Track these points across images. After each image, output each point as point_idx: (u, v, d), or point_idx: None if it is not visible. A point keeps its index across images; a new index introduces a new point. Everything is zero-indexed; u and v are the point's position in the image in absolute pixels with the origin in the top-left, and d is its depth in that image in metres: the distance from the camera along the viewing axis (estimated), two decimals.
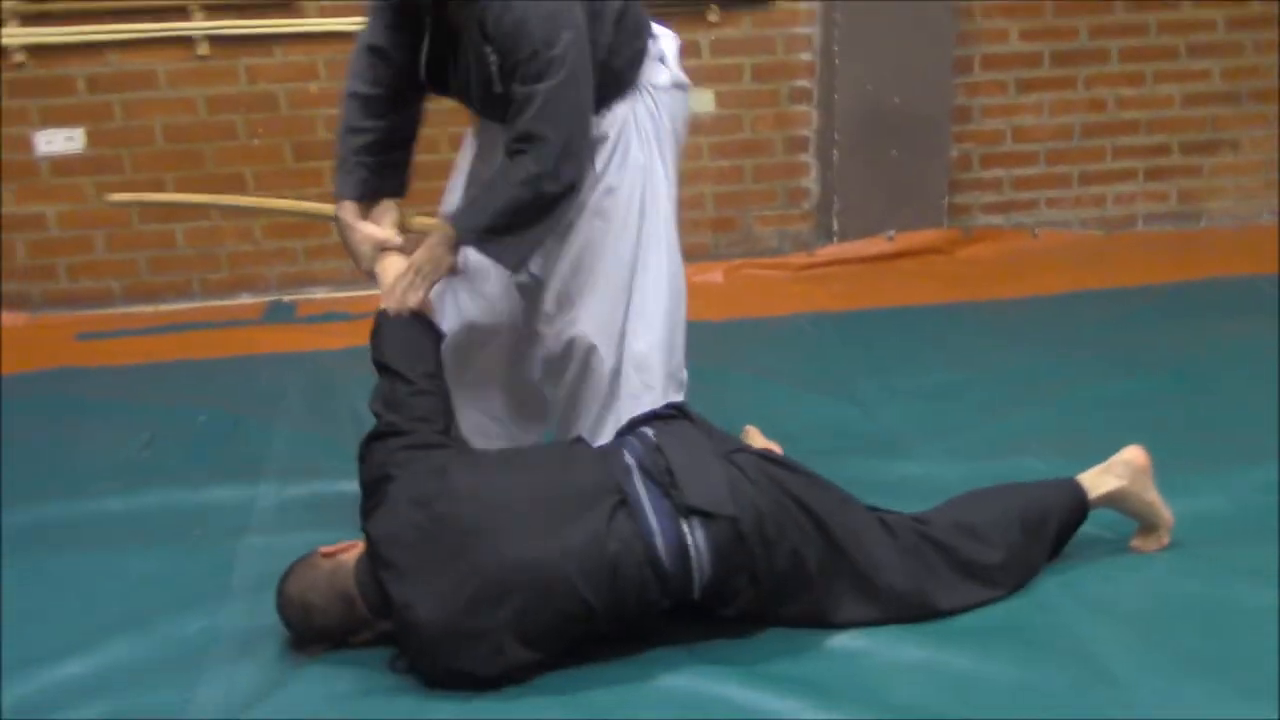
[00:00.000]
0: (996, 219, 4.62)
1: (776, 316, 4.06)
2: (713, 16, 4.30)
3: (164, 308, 4.33)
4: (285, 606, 2.19)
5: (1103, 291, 4.11)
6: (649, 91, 2.53)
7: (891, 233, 4.43)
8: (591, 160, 2.45)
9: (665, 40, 2.61)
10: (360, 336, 2.65)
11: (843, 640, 2.20)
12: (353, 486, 2.34)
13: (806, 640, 2.20)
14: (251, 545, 2.63)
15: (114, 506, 2.84)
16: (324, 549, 2.22)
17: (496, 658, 2.07)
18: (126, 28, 4.08)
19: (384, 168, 2.55)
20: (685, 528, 2.14)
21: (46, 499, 2.87)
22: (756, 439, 2.76)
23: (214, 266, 4.39)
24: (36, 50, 4.08)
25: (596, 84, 2.40)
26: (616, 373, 2.55)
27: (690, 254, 4.33)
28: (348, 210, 2.56)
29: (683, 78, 2.62)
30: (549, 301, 2.56)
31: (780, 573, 2.18)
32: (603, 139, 2.48)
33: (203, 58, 4.15)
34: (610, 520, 2.13)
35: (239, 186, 4.30)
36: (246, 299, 4.38)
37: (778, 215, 4.55)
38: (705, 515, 2.14)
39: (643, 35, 2.53)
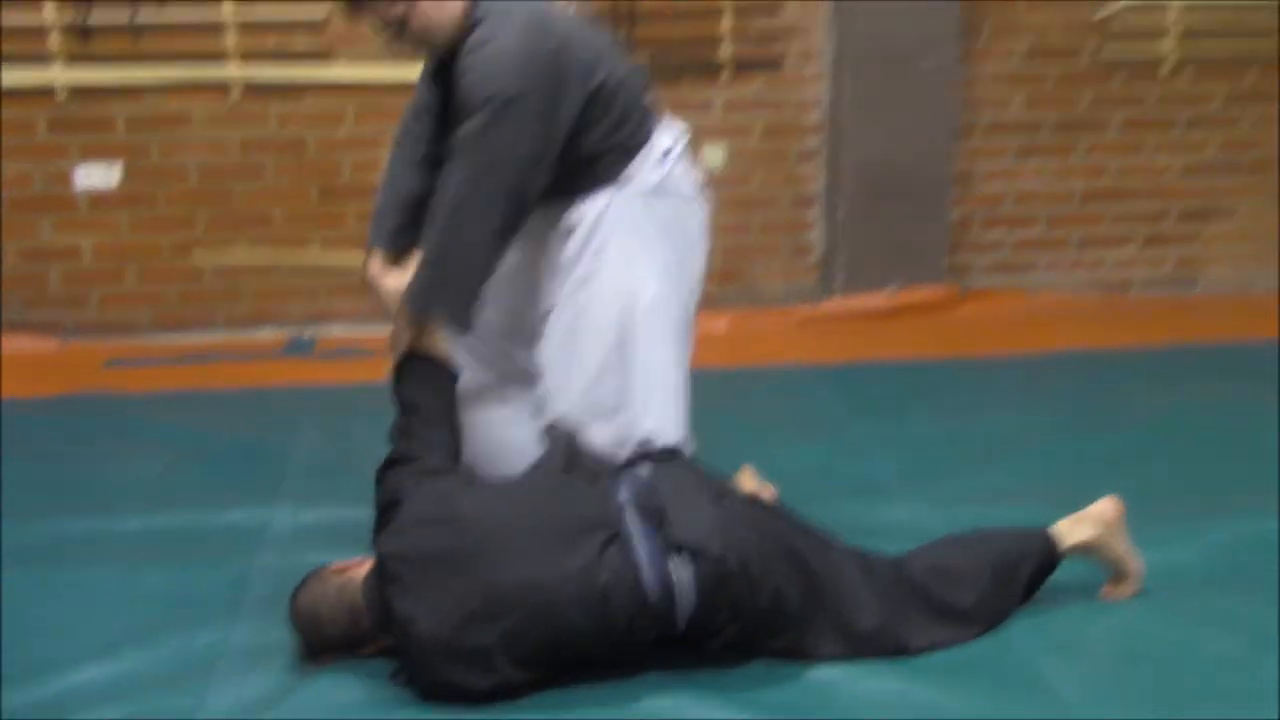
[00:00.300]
0: (996, 279, 4.75)
1: (778, 366, 4.20)
2: (726, 76, 4.47)
3: (189, 338, 4.50)
4: (296, 616, 2.33)
5: (1096, 352, 4.23)
6: (636, 188, 2.59)
7: (893, 288, 4.57)
8: (520, 211, 2.49)
9: (667, 139, 2.65)
10: (376, 372, 2.80)
11: (819, 672, 2.32)
12: (365, 513, 2.49)
13: (786, 671, 2.33)
14: (265, 565, 2.77)
15: (133, 525, 2.98)
16: (336, 564, 2.37)
17: (489, 674, 2.20)
18: (166, 72, 4.27)
19: (418, 221, 2.64)
20: (672, 564, 2.27)
21: (69, 515, 3.02)
22: (750, 480, 2.90)
23: (238, 299, 4.55)
24: (79, 90, 4.27)
25: (572, 169, 2.52)
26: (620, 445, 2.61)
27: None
28: (376, 261, 2.72)
29: (684, 184, 2.68)
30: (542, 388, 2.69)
31: (762, 610, 2.31)
32: (573, 227, 2.59)
33: (236, 103, 4.34)
34: (602, 552, 2.27)
35: (266, 225, 4.48)
36: (269, 332, 4.54)
37: (783, 268, 4.70)
38: (692, 553, 2.28)
39: (633, 129, 2.57)
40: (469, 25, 2.45)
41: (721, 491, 2.45)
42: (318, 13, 4.28)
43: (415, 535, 2.33)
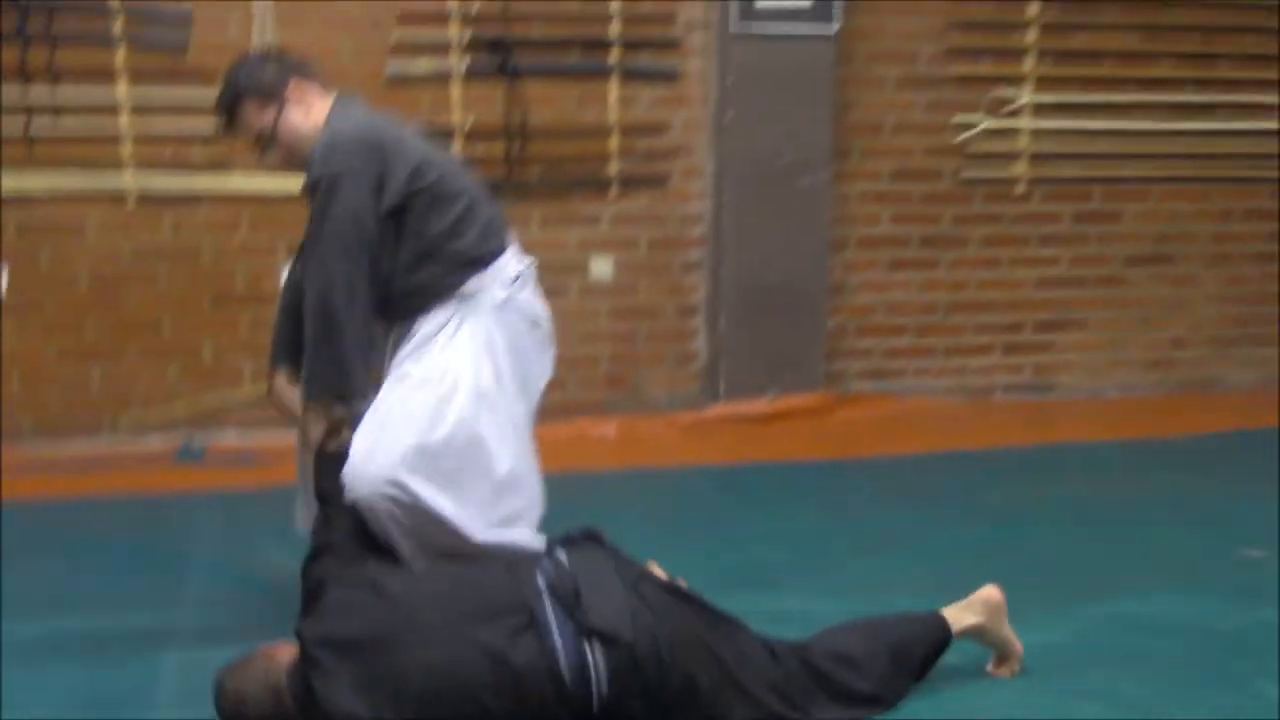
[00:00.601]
0: (869, 385, 5.00)
1: (666, 468, 4.35)
2: (614, 192, 4.68)
3: (76, 445, 4.45)
4: (221, 697, 2.37)
5: (962, 452, 4.49)
6: (480, 303, 2.73)
7: (772, 394, 4.78)
8: (372, 269, 2.65)
9: (516, 265, 2.81)
10: (267, 478, 2.88)
11: None
12: (269, 615, 2.58)
13: None
14: (173, 663, 2.78)
15: (35, 629, 2.96)
16: (263, 648, 2.40)
17: None
18: (61, 180, 4.30)
19: None
20: (586, 648, 2.37)
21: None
22: (658, 572, 3.02)
23: (125, 405, 4.54)
24: None
25: (415, 275, 2.69)
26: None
27: (585, 409, 4.70)
28: (280, 378, 2.92)
29: (529, 309, 2.81)
30: None
31: (673, 693, 2.41)
32: (413, 335, 2.72)
33: (131, 212, 4.38)
34: (517, 635, 2.37)
35: (155, 332, 4.50)
36: (157, 439, 4.52)
37: (668, 375, 4.88)
38: (605, 638, 2.38)
39: (476, 240, 2.72)
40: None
41: (638, 577, 2.57)
42: (214, 125, 4.35)
43: (336, 621, 2.39)
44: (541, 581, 2.49)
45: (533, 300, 2.83)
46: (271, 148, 2.76)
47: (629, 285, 4.78)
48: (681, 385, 4.89)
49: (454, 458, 2.64)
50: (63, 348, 4.46)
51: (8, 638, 2.90)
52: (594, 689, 2.36)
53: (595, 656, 2.36)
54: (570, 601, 2.44)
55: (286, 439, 4.47)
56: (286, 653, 2.38)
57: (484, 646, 2.35)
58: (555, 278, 4.66)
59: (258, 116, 2.73)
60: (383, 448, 2.58)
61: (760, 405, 4.77)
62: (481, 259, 2.73)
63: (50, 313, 4.42)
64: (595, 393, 4.77)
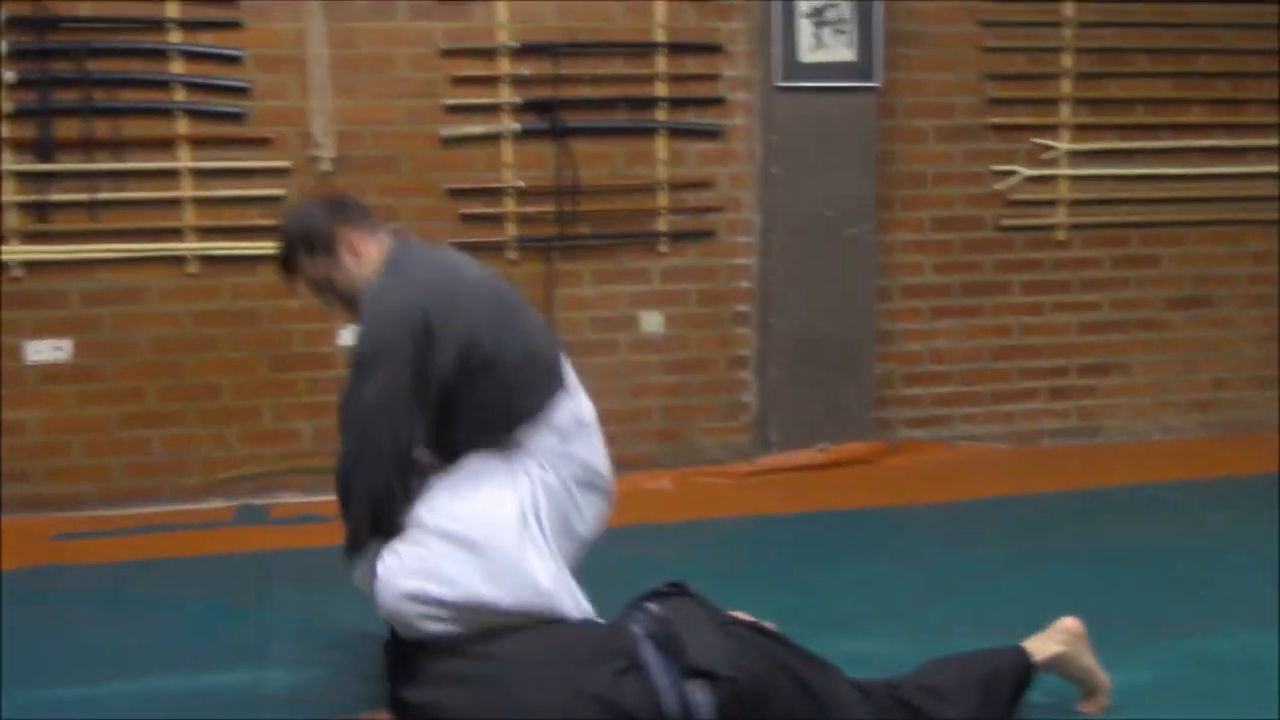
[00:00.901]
0: (918, 433, 5.05)
1: (724, 518, 4.39)
2: (663, 247, 4.75)
3: (137, 510, 4.49)
4: None
5: (1016, 498, 4.52)
6: (528, 453, 2.72)
7: (824, 444, 4.82)
8: (403, 449, 2.64)
9: (567, 414, 2.77)
10: (333, 538, 2.94)
11: None
12: (358, 675, 2.67)
13: None
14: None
15: (128, 690, 2.99)
16: (363, 716, 2.44)
17: None
18: (123, 246, 4.38)
19: None
20: (689, 688, 2.42)
21: (62, 684, 3.02)
22: (744, 619, 3.06)
23: (185, 471, 4.59)
24: (34, 265, 4.35)
25: (459, 429, 2.69)
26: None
27: (638, 463, 4.74)
28: None
29: (583, 454, 2.77)
30: None
31: None
32: (457, 469, 2.72)
33: (192, 275, 4.46)
34: (622, 679, 2.42)
35: (215, 396, 4.55)
36: (217, 503, 4.57)
37: (720, 427, 4.93)
38: (707, 676, 2.43)
39: (528, 402, 2.72)
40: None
41: (727, 621, 2.63)
42: (275, 190, 4.46)
43: (440, 682, 2.45)
44: (638, 628, 2.55)
45: (589, 451, 2.81)
46: (328, 295, 2.82)
47: (679, 339, 4.85)
48: (733, 436, 4.94)
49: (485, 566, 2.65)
50: (125, 414, 4.52)
51: (104, 699, 2.93)
52: None
53: (697, 696, 2.41)
54: (669, 645, 2.50)
55: None
56: None
57: (591, 692, 2.40)
58: (606, 333, 4.77)
59: (311, 267, 2.78)
60: (404, 565, 2.61)
61: (812, 455, 4.81)
62: (532, 415, 2.73)
63: (112, 379, 4.49)
64: (648, 446, 4.82)
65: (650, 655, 2.49)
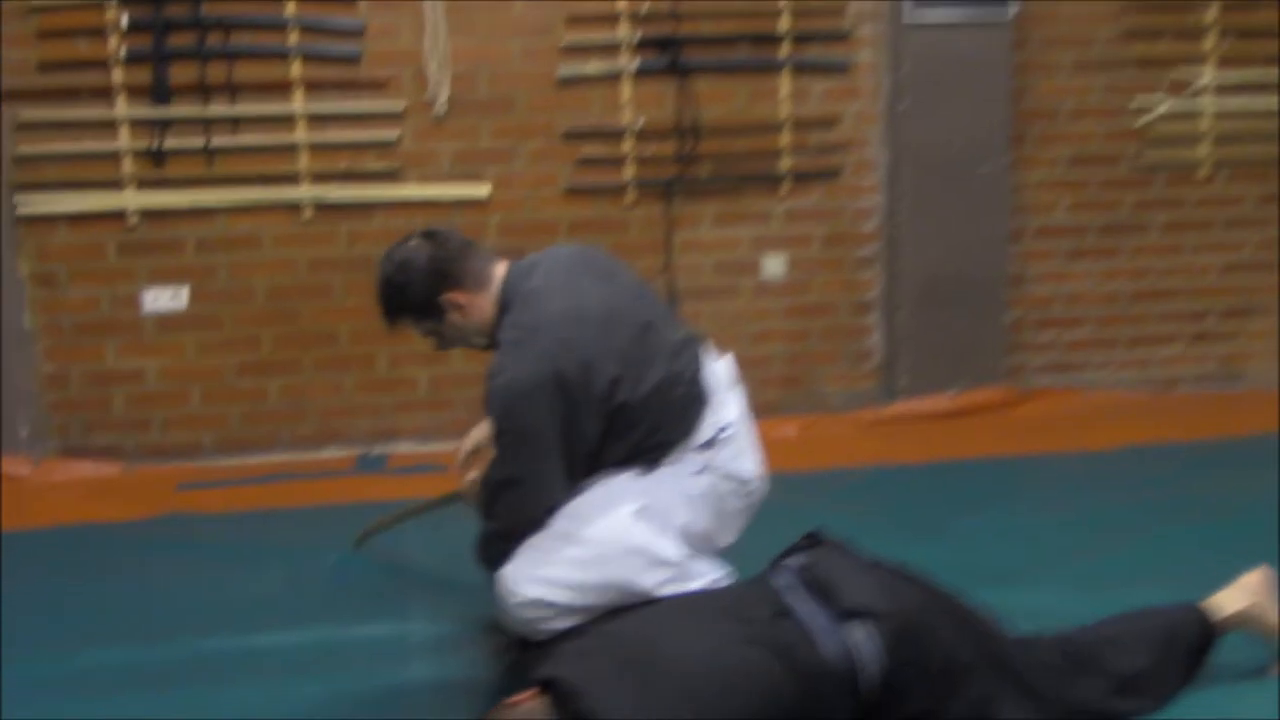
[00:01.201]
0: (1050, 378, 4.86)
1: (853, 468, 4.24)
2: (786, 188, 4.59)
3: (255, 459, 4.46)
4: None
5: (1156, 446, 4.31)
6: (668, 472, 2.57)
7: (954, 391, 4.65)
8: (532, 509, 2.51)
9: (711, 428, 2.59)
10: (451, 484, 2.90)
11: None
12: (494, 624, 2.60)
13: None
14: (416, 678, 2.73)
15: (270, 642, 2.93)
16: (508, 700, 2.33)
17: None
18: (238, 194, 4.31)
19: None
20: (846, 631, 2.29)
21: (204, 635, 2.96)
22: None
23: (302, 420, 4.54)
24: (150, 213, 4.30)
25: (606, 460, 2.53)
26: None
27: (761, 410, 4.58)
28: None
29: (728, 464, 2.60)
30: None
31: (938, 668, 2.33)
32: (593, 483, 2.55)
33: (307, 222, 4.38)
34: (777, 625, 2.31)
35: (331, 343, 4.49)
36: (334, 451, 4.52)
37: (844, 374, 4.78)
38: (864, 615, 2.31)
39: (669, 431, 2.55)
40: (498, 326, 2.56)
41: (873, 561, 2.50)
42: (388, 134, 4.36)
43: (589, 653, 2.34)
44: (783, 579, 2.43)
45: (735, 459, 2.63)
46: (439, 346, 2.71)
47: (802, 282, 4.69)
48: (857, 383, 4.79)
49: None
50: (241, 362, 4.47)
51: (247, 652, 2.88)
52: (861, 672, 2.28)
53: (857, 636, 2.29)
54: (819, 590, 2.38)
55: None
56: (536, 699, 2.28)
57: (746, 635, 2.29)
58: (727, 277, 4.63)
59: (418, 327, 2.65)
60: (520, 572, 2.50)
61: (942, 402, 4.65)
62: (673, 445, 2.57)
63: (229, 328, 4.44)
64: (770, 393, 4.68)
65: (801, 601, 2.36)
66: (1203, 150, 4.75)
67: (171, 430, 4.48)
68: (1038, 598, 2.97)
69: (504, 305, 2.55)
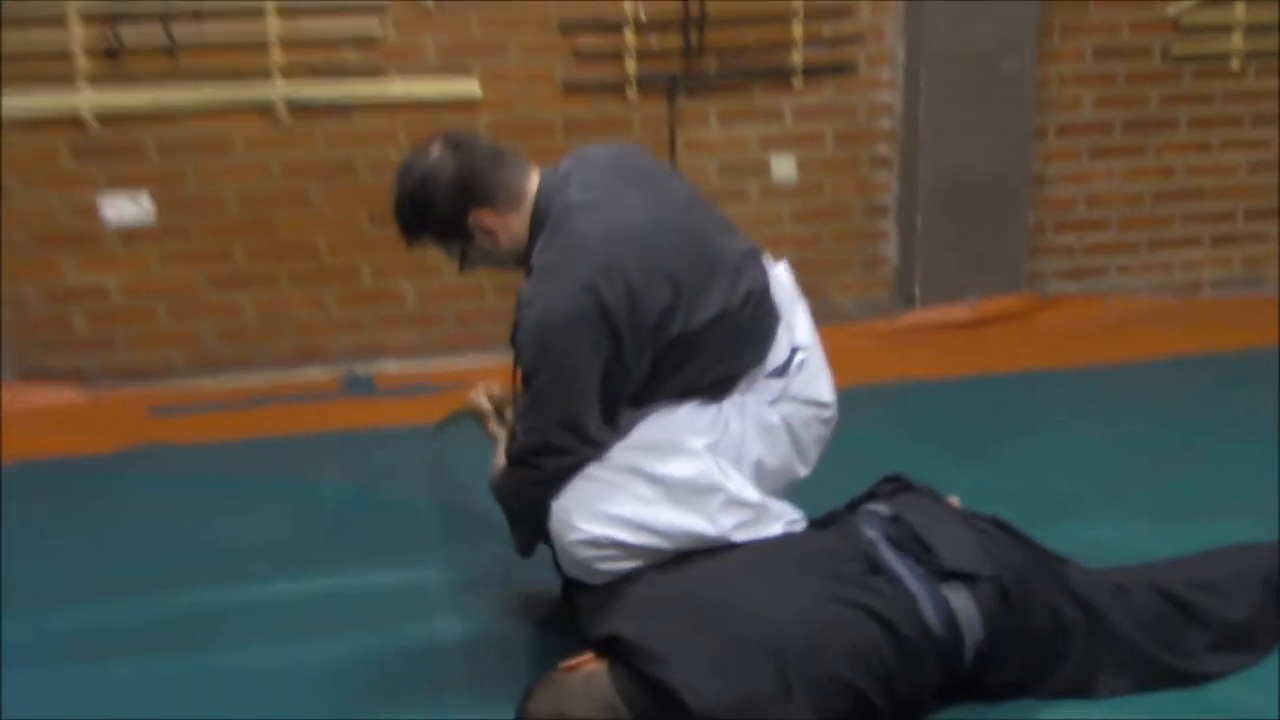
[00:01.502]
0: (1069, 285, 4.63)
1: (874, 384, 3.99)
2: (797, 83, 4.27)
3: (229, 380, 4.15)
4: None
5: (1187, 358, 4.11)
6: (739, 396, 2.30)
7: (972, 299, 4.41)
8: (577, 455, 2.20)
9: (783, 351, 2.33)
10: (448, 406, 2.68)
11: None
12: (523, 567, 2.35)
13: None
14: (447, 632, 2.48)
15: (267, 594, 2.66)
16: (563, 664, 2.09)
17: None
18: (204, 93, 3.94)
19: None
20: (947, 593, 2.08)
21: (201, 586, 2.69)
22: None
23: (280, 336, 4.22)
24: (107, 115, 3.91)
25: (663, 394, 2.26)
26: None
27: None
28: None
29: (802, 390, 2.34)
30: None
31: (1043, 634, 2.14)
32: (652, 411, 2.28)
33: (280, 124, 4.01)
34: (866, 582, 2.09)
35: (310, 254, 4.16)
36: (316, 371, 4.21)
37: (858, 282, 4.52)
38: (965, 578, 2.09)
39: (731, 363, 2.27)
40: (531, 247, 2.23)
41: (966, 512, 2.29)
42: (368, 27, 3.99)
43: (656, 607, 2.10)
44: (871, 531, 2.20)
45: (810, 383, 2.36)
46: (467, 263, 2.34)
47: (813, 185, 4.40)
48: (871, 291, 4.53)
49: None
50: (213, 276, 4.13)
51: (251, 606, 2.61)
52: (967, 637, 2.07)
53: (959, 599, 2.07)
54: (913, 546, 2.15)
55: (455, 365, 4.20)
56: (597, 662, 2.06)
57: (836, 594, 2.08)
58: (734, 179, 4.34)
59: (440, 247, 2.32)
60: (577, 507, 2.20)
61: (959, 311, 4.40)
62: (740, 375, 2.30)
63: (197, 239, 4.09)
64: None
65: (893, 559, 2.14)
66: (1234, 41, 4.47)
67: (138, 349, 4.15)
68: (1103, 531, 2.77)
69: (537, 223, 2.22)
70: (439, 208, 2.21)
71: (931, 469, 3.11)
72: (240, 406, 3.93)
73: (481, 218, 2.22)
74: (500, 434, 2.48)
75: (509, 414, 2.51)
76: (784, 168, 4.34)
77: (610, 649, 2.06)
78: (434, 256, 4.14)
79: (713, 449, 2.22)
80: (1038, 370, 4.06)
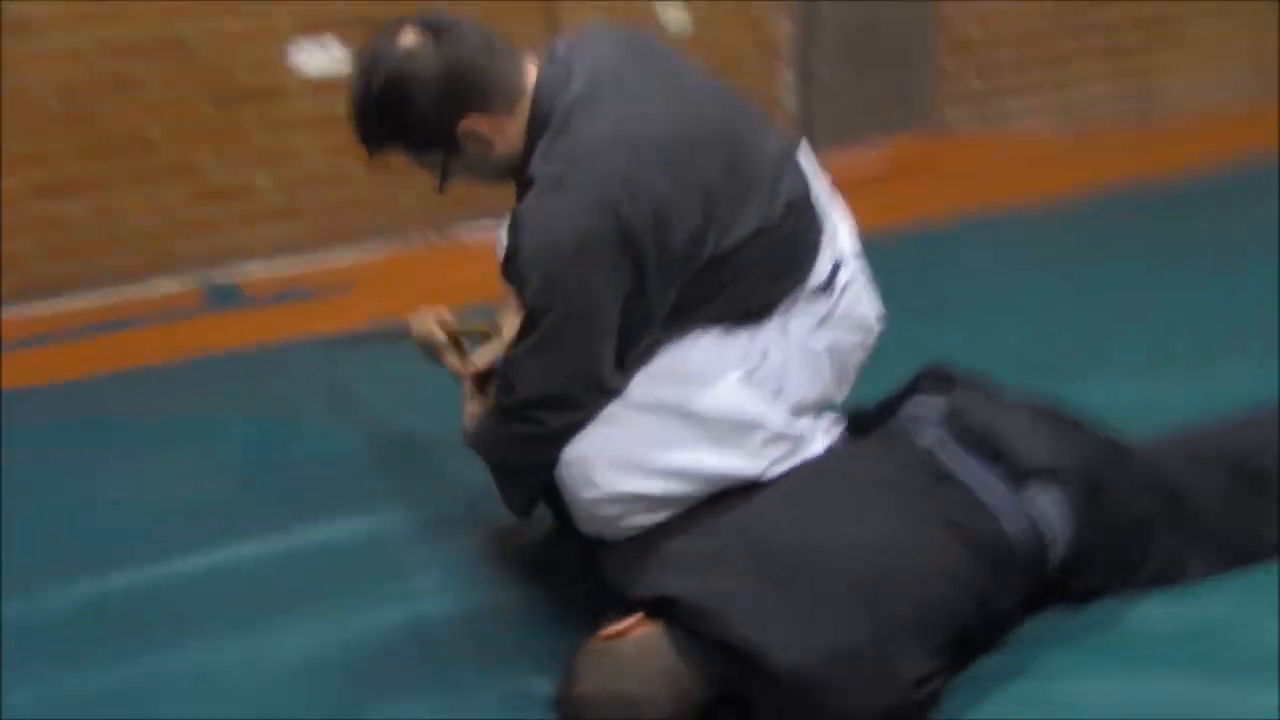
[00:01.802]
0: (971, 122, 4.40)
1: None
2: None
3: (69, 303, 3.58)
4: (597, 711, 1.70)
5: (1109, 189, 3.93)
6: (779, 320, 1.97)
7: (875, 144, 4.16)
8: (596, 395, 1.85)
9: (829, 260, 1.99)
10: (330, 318, 2.51)
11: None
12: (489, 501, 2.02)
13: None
14: (430, 594, 2.13)
15: (202, 566, 2.23)
16: (604, 631, 1.77)
17: (894, 678, 1.68)
18: None
19: None
20: (1028, 495, 1.84)
21: (111, 566, 2.23)
22: None
23: (122, 247, 3.65)
24: None
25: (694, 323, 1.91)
26: None
27: None
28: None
29: (849, 309, 2.01)
30: None
31: (1125, 525, 1.93)
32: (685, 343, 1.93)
33: None
34: (939, 495, 1.83)
35: (146, 150, 3.59)
36: (169, 284, 3.68)
37: None
38: (1042, 477, 1.85)
39: (766, 289, 1.93)
40: (529, 154, 1.82)
41: (1032, 402, 2.04)
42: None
43: (709, 557, 1.79)
44: (931, 435, 1.93)
45: (854, 300, 2.02)
46: (448, 178, 1.89)
47: (703, 32, 4.01)
48: None
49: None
50: (32, 183, 3.51)
51: (177, 583, 2.20)
52: (1051, 545, 1.85)
53: (1042, 504, 1.84)
54: (981, 446, 1.90)
55: (330, 262, 3.74)
56: (646, 626, 1.74)
57: (912, 515, 1.82)
58: None
59: (414, 159, 1.88)
60: (598, 457, 1.86)
61: (863, 156, 4.14)
62: (781, 299, 1.95)
63: (8, 141, 3.45)
64: None
65: (962, 462, 1.88)
66: None
67: None
68: (1112, 391, 2.52)
69: (537, 126, 1.80)
70: (421, 114, 1.77)
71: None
72: (87, 334, 3.39)
73: (475, 124, 1.79)
74: (462, 369, 2.10)
75: (469, 346, 2.13)
76: (674, 15, 3.94)
77: (661, 611, 1.75)
78: (292, 140, 3.69)
79: (751, 379, 1.90)
80: (961, 215, 3.84)
